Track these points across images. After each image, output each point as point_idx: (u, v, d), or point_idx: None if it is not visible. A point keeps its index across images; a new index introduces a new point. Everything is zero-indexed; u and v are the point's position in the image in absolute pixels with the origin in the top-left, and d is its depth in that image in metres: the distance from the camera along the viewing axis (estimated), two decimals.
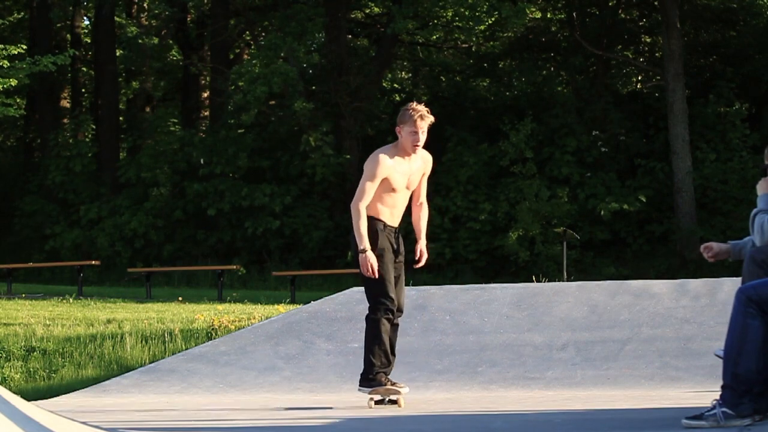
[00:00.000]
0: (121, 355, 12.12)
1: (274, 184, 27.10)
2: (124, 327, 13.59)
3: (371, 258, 7.63)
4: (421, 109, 7.73)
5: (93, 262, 22.90)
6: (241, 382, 10.22)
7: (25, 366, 11.91)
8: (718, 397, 5.69)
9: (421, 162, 7.88)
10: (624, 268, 25.41)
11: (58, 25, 32.13)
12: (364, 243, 7.64)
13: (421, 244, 8.01)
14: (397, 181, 7.75)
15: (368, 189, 7.69)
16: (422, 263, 7.98)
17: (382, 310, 7.71)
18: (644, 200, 26.07)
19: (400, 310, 7.86)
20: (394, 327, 7.83)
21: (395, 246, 7.83)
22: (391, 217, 7.82)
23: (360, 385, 7.85)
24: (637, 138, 27.95)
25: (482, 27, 28.62)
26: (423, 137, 7.72)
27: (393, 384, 7.80)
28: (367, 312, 7.82)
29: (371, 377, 7.77)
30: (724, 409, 5.64)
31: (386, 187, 7.73)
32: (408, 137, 7.70)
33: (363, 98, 27.33)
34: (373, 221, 7.75)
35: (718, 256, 6.59)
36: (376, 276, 7.63)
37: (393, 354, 7.86)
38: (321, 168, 26.45)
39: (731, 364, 5.69)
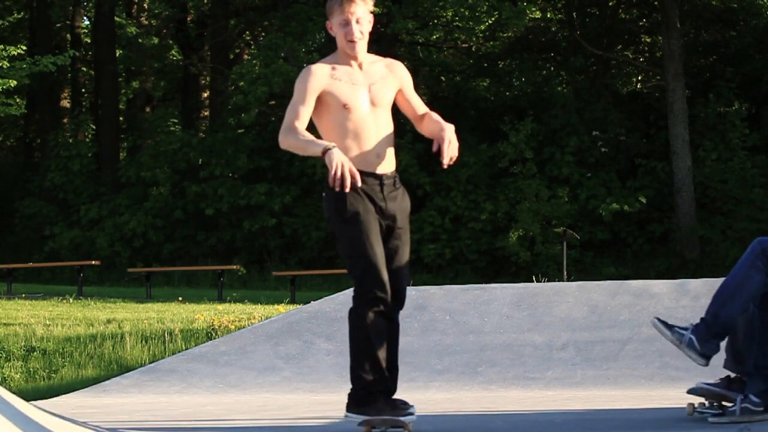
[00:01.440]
0: (121, 355, 12.12)
1: (274, 183, 27.12)
2: (124, 327, 13.60)
3: (338, 153, 5.21)
4: None
5: (93, 262, 22.90)
6: (241, 382, 10.22)
7: (25, 366, 11.91)
8: (697, 322, 5.74)
9: (385, 69, 5.47)
10: (624, 268, 25.42)
11: (58, 25, 32.15)
12: (319, 144, 5.27)
13: (446, 130, 5.33)
14: (348, 95, 5.33)
15: (293, 111, 5.36)
16: (452, 152, 5.29)
17: (367, 300, 5.30)
18: (644, 201, 26.09)
19: (398, 300, 5.44)
20: (393, 326, 5.49)
21: (382, 204, 5.36)
22: (363, 155, 5.33)
23: (347, 410, 5.43)
24: (638, 138, 27.98)
25: (482, 27, 28.65)
26: (361, 28, 5.37)
27: (394, 407, 5.38)
28: (351, 305, 5.43)
29: (362, 398, 5.38)
30: (693, 337, 5.69)
31: (335, 107, 5.34)
32: (340, 32, 5.37)
33: None
34: None
35: None
36: (348, 175, 5.20)
37: (394, 366, 5.57)
38: (321, 168, 26.46)
39: (717, 304, 5.73)
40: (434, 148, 5.30)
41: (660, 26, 27.63)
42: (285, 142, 5.36)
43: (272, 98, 27.68)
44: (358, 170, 5.24)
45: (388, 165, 5.41)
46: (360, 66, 5.40)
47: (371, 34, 5.47)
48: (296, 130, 5.31)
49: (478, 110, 29.45)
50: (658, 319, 5.78)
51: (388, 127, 5.42)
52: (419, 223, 26.21)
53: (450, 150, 5.28)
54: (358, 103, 5.33)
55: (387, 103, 5.41)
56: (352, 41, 5.33)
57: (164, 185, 28.13)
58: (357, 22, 5.34)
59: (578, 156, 27.01)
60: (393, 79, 5.47)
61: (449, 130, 5.32)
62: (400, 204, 5.43)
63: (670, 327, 5.74)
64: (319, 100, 5.35)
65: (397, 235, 5.41)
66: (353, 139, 5.33)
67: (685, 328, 5.74)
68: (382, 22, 30.07)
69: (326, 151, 5.20)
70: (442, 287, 12.49)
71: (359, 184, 5.22)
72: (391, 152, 5.41)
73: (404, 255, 5.44)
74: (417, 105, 5.54)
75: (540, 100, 28.50)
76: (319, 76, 5.34)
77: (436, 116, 5.48)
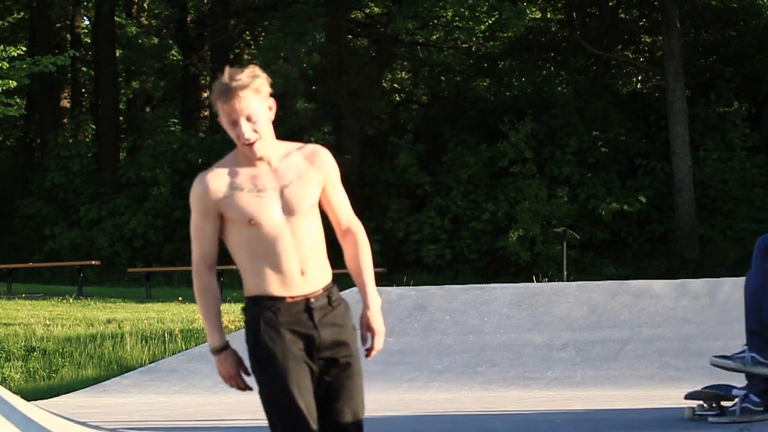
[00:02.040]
0: (121, 355, 12.12)
1: None
2: (124, 327, 13.60)
3: (226, 362, 4.07)
4: (226, 80, 4.20)
5: (93, 262, 22.91)
6: None
7: (25, 366, 11.91)
8: (746, 343, 5.77)
9: (304, 163, 4.15)
10: (624, 268, 25.42)
11: (58, 25, 32.16)
12: (212, 338, 4.04)
13: (372, 309, 4.12)
14: (253, 207, 4.05)
15: (196, 241, 4.10)
16: (374, 352, 4.12)
17: None
18: (644, 201, 26.10)
19: None
20: None
21: (314, 334, 4.02)
22: (282, 278, 4.04)
23: None
24: (638, 138, 27.99)
25: (482, 27, 28.67)
26: (255, 126, 4.07)
27: None
28: None
29: None
30: (753, 354, 5.71)
31: (239, 223, 4.06)
32: (231, 132, 4.12)
33: (363, 98, 27.34)
34: (250, 305, 4.07)
35: None
36: (240, 387, 4.07)
37: None
38: None
39: (756, 311, 5.76)
40: (362, 334, 4.11)
41: (660, 26, 27.63)
42: (195, 291, 4.18)
43: (272, 98, 27.68)
44: (278, 297, 4.04)
45: (317, 281, 4.10)
46: (269, 164, 4.11)
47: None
48: (201, 289, 4.12)
49: (478, 110, 29.45)
50: (716, 356, 5.86)
51: (312, 235, 4.15)
52: (419, 224, 26.22)
53: (378, 342, 4.10)
54: (266, 215, 4.06)
55: (307, 209, 4.14)
56: (248, 144, 4.06)
57: (164, 185, 28.14)
58: (248, 119, 4.08)
59: (578, 156, 27.01)
60: (315, 174, 4.15)
61: (376, 310, 4.12)
62: (341, 328, 4.07)
63: (728, 357, 5.81)
64: (221, 215, 4.11)
65: (342, 365, 4.06)
66: (266, 260, 4.05)
67: (741, 351, 5.79)
68: (382, 22, 30.06)
69: (214, 353, 4.07)
70: (442, 287, 12.50)
71: (249, 390, 4.11)
72: (321, 263, 4.14)
73: (353, 389, 4.07)
74: (340, 211, 4.29)
75: (540, 100, 28.50)
76: (214, 190, 4.07)
77: (363, 256, 4.23)
